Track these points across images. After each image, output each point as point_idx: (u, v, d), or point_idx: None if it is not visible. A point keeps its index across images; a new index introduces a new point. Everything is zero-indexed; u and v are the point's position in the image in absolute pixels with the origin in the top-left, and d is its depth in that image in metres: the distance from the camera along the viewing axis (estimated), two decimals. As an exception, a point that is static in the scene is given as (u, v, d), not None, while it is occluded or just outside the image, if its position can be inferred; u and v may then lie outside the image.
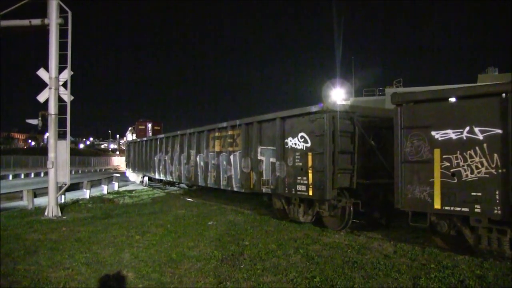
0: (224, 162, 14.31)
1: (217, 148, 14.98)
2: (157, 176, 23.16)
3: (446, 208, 7.37)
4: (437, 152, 7.51)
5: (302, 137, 10.40)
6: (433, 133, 7.57)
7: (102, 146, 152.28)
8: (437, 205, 7.46)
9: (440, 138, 7.49)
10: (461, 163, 7.21)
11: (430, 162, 7.58)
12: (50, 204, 12.93)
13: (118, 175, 28.78)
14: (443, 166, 7.43)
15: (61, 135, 13.30)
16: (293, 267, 6.68)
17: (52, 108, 12.99)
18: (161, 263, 6.99)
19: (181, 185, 23.85)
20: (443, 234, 7.84)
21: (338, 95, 30.48)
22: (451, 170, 7.32)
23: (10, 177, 37.06)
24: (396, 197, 8.07)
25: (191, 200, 17.78)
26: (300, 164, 10.40)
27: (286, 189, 10.88)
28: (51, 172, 13.11)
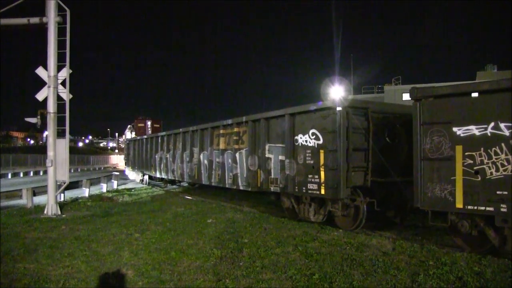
0: (230, 160, 14.00)
1: (221, 146, 14.66)
2: (158, 175, 22.87)
3: (469, 207, 7.07)
4: (459, 149, 7.21)
5: (313, 133, 10.06)
6: (454, 129, 7.27)
7: (101, 145, 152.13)
8: (459, 204, 7.17)
9: (462, 134, 7.17)
10: (485, 161, 6.89)
11: (451, 160, 7.28)
12: (49, 202, 12.93)
13: (117, 173, 28.78)
14: (465, 164, 7.13)
15: (60, 134, 13.29)
16: (292, 264, 6.70)
17: (51, 107, 12.97)
18: (160, 261, 7.00)
19: (182, 184, 23.76)
20: (464, 234, 7.50)
21: (336, 92, 30.45)
22: (475, 168, 7.02)
23: (9, 176, 37.06)
24: (415, 196, 7.76)
25: (190, 198, 17.80)
26: (311, 162, 10.08)
27: (296, 187, 10.57)
28: (50, 171, 13.11)
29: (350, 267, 6.53)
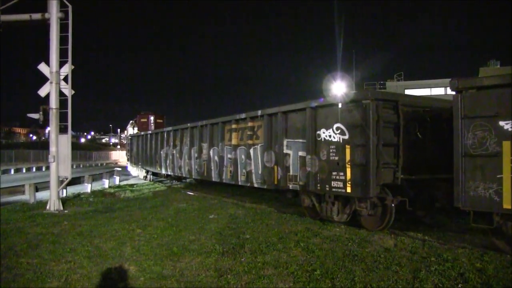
0: (243, 156, 13.37)
1: (234, 141, 14.06)
2: (163, 171, 22.29)
3: None
4: (506, 144, 6.64)
5: (338, 128, 9.42)
6: (501, 123, 6.69)
7: (103, 141, 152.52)
8: (507, 205, 6.60)
9: (510, 129, 6.62)
10: None
11: (497, 156, 6.70)
12: (51, 198, 12.98)
13: (119, 169, 28.82)
14: None
15: (62, 130, 13.32)
16: (293, 260, 6.71)
17: (53, 103, 12.99)
18: (162, 257, 7.03)
19: (187, 179, 23.57)
20: (509, 236, 7.00)
21: (338, 88, 30.34)
22: None
23: (12, 172, 37.18)
24: (455, 195, 7.22)
25: (192, 194, 17.82)
26: (336, 158, 9.40)
27: (319, 185, 9.89)
28: (53, 166, 13.15)
29: (351, 263, 6.54)
